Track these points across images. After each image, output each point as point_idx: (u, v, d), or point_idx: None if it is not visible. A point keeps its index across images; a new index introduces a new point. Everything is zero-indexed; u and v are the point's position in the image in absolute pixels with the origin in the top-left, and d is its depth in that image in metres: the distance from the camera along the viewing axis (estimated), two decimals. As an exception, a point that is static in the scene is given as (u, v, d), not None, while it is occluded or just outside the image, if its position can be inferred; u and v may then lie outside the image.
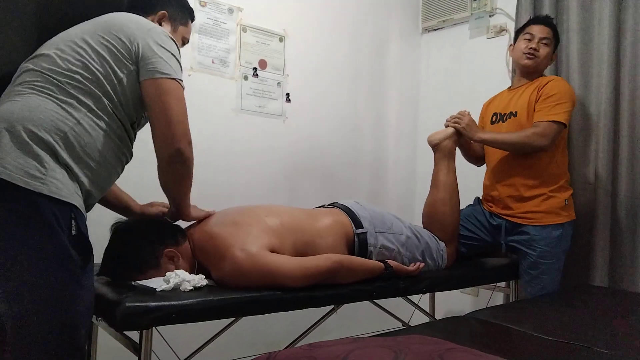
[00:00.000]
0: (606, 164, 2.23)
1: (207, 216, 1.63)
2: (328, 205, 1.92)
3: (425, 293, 1.86)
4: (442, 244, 1.97)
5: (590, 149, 2.31)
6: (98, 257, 1.49)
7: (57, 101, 1.23)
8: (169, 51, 1.34)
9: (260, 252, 1.44)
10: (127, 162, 1.43)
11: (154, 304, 1.25)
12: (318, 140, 2.82)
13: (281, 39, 2.67)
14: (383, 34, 3.14)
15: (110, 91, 1.29)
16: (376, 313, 2.03)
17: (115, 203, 1.65)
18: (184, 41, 1.64)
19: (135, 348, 1.32)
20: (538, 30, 2.15)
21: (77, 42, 1.30)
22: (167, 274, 1.41)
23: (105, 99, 1.28)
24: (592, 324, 1.50)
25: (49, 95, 1.23)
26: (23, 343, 1.11)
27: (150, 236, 1.47)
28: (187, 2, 1.65)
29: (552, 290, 2.06)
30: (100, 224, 1.48)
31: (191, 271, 1.51)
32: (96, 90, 1.27)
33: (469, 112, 2.16)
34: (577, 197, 2.27)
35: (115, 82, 1.30)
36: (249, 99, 2.56)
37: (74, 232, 1.16)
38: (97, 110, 1.27)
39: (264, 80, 2.62)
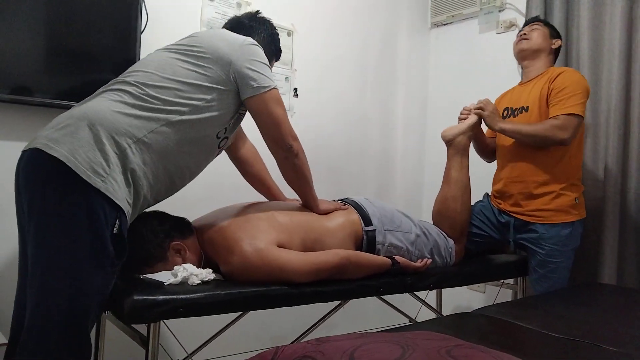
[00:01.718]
0: (616, 161, 2.21)
1: (338, 208, 1.76)
2: (338, 200, 1.92)
3: (432, 289, 1.86)
4: (451, 242, 1.97)
5: (600, 145, 2.29)
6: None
7: (139, 112, 1.33)
8: (261, 62, 1.49)
9: (268, 247, 1.44)
10: (192, 176, 1.55)
11: (161, 297, 1.26)
12: (326, 135, 2.82)
13: (289, 34, 2.67)
14: (392, 29, 3.12)
15: (196, 109, 1.41)
16: (383, 309, 2.03)
17: (267, 195, 1.93)
18: None
19: (143, 341, 1.33)
20: (526, 27, 2.21)
21: (169, 63, 1.42)
22: (175, 267, 1.42)
23: (188, 116, 1.39)
24: (600, 322, 1.49)
25: (133, 104, 1.34)
26: (37, 300, 1.20)
27: (157, 229, 1.48)
28: (279, 42, 1.78)
29: (561, 288, 2.05)
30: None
31: (198, 264, 1.52)
32: (181, 108, 1.38)
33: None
34: (587, 195, 2.25)
35: (205, 101, 1.42)
36: (256, 94, 2.55)
37: (115, 231, 1.25)
38: (174, 124, 1.38)
39: (272, 75, 2.61)
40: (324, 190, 2.73)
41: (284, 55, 2.63)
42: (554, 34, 2.18)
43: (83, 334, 1.23)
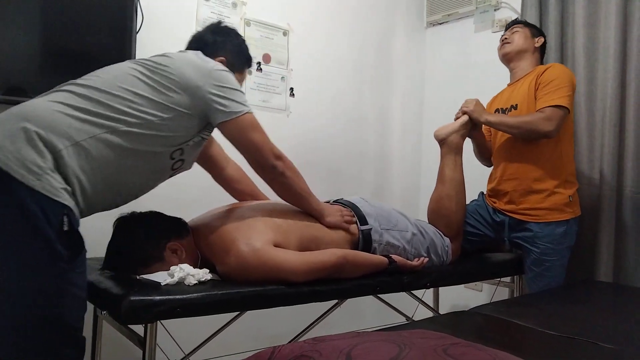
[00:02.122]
0: (612, 159, 2.22)
1: (349, 223, 1.72)
2: (333, 201, 1.92)
3: (429, 288, 1.86)
4: (447, 240, 1.97)
5: (596, 143, 2.30)
6: (103, 250, 1.50)
7: (82, 113, 1.26)
8: (231, 88, 1.44)
9: (264, 247, 1.44)
10: (140, 193, 1.48)
11: (158, 297, 1.25)
12: (322, 134, 2.82)
13: (285, 33, 2.67)
14: (388, 28, 3.13)
15: (149, 123, 1.33)
16: (380, 308, 2.03)
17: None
18: None
19: (140, 342, 1.32)
20: (507, 32, 2.25)
21: (130, 75, 1.36)
22: (172, 268, 1.42)
23: (136, 128, 1.32)
24: (597, 319, 1.49)
25: (77, 107, 1.27)
26: (4, 326, 1.13)
27: (153, 229, 1.48)
28: (247, 50, 1.71)
29: (557, 286, 2.05)
30: (109, 215, 1.48)
31: (195, 264, 1.52)
32: (130, 119, 1.31)
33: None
34: (582, 192, 2.26)
35: (159, 118, 1.35)
36: (253, 94, 2.55)
37: (65, 228, 1.18)
38: (120, 134, 1.30)
39: (268, 75, 2.61)
40: (320, 191, 2.73)
41: (280, 55, 2.64)
42: (536, 32, 2.21)
43: (62, 337, 1.18)
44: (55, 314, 1.17)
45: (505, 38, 2.21)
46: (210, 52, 1.54)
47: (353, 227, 1.73)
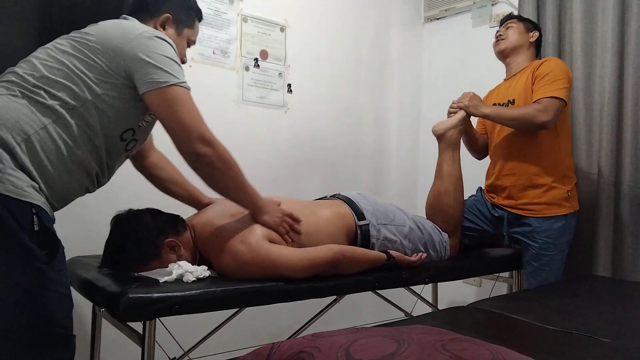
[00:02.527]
0: (610, 154, 2.22)
1: (293, 231, 1.56)
2: (330, 196, 1.92)
3: (427, 283, 1.86)
4: (445, 235, 1.97)
5: (594, 138, 2.30)
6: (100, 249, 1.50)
7: (28, 104, 1.20)
8: (162, 55, 1.29)
9: (260, 244, 1.44)
10: (104, 175, 1.38)
11: (157, 294, 1.25)
12: (320, 131, 2.81)
13: (282, 29, 2.66)
14: (385, 23, 3.12)
15: (89, 104, 1.26)
16: (379, 303, 2.04)
17: (186, 196, 1.73)
18: (190, 43, 1.58)
19: (139, 339, 1.32)
20: (501, 27, 2.25)
21: (60, 53, 1.28)
22: (170, 265, 1.42)
23: (81, 110, 1.25)
24: (595, 314, 1.49)
25: (21, 97, 1.21)
26: None
27: (151, 226, 1.47)
28: (195, 3, 1.58)
29: (555, 281, 2.06)
30: (109, 212, 1.48)
31: (193, 261, 1.52)
32: (71, 101, 1.24)
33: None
34: (580, 187, 2.26)
35: (95, 95, 1.26)
36: (250, 90, 2.55)
37: (36, 228, 1.13)
38: (69, 119, 1.23)
39: (266, 71, 2.61)
40: (317, 187, 2.75)
41: (277, 51, 2.64)
42: (530, 27, 2.21)
43: (52, 337, 1.16)
44: (43, 315, 1.15)
45: (500, 34, 2.21)
46: (153, 11, 1.45)
47: (349, 222, 1.72)
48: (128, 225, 1.47)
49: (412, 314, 2.15)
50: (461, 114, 2.12)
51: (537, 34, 2.20)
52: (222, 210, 1.59)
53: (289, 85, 2.69)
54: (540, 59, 2.23)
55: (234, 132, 2.48)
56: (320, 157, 2.82)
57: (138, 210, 1.51)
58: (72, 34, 1.33)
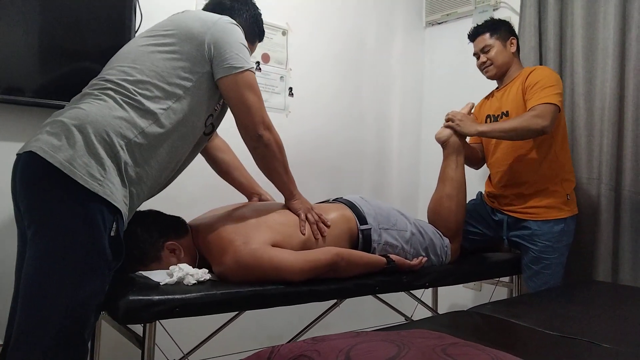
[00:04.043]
0: (610, 159, 2.22)
1: (322, 230, 1.64)
2: (333, 200, 1.92)
3: (428, 288, 1.86)
4: (446, 240, 1.97)
5: (595, 143, 2.30)
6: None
7: (127, 110, 1.31)
8: (237, 41, 1.42)
9: (261, 247, 1.44)
10: (179, 170, 1.53)
11: (157, 297, 1.25)
12: (321, 134, 2.81)
13: (284, 33, 2.66)
14: (387, 27, 3.12)
15: (181, 100, 1.37)
16: (379, 307, 2.03)
17: (245, 184, 1.86)
18: None
19: (138, 341, 1.32)
20: (476, 46, 2.21)
21: (146, 53, 1.38)
22: (171, 267, 1.42)
23: (175, 107, 1.36)
24: (595, 319, 1.49)
25: (121, 103, 1.31)
26: (31, 306, 1.19)
27: (151, 228, 1.48)
28: (262, 23, 1.71)
29: (555, 285, 2.06)
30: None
31: (193, 264, 1.52)
32: (166, 101, 1.35)
33: (468, 110, 2.16)
34: (581, 192, 2.26)
35: (185, 89, 1.38)
36: (252, 93, 2.55)
37: (112, 234, 1.25)
38: (164, 120, 1.35)
39: (267, 74, 2.61)
40: (319, 189, 2.74)
41: (278, 55, 2.64)
42: (506, 35, 2.16)
43: (78, 340, 1.22)
44: (81, 316, 1.22)
45: (483, 63, 2.16)
46: (225, 15, 1.54)
47: (352, 226, 1.73)
48: (129, 226, 1.47)
49: (412, 318, 2.15)
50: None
51: (514, 40, 2.16)
52: (226, 213, 1.60)
53: (290, 88, 2.69)
54: (533, 65, 2.21)
55: (237, 135, 2.48)
56: (322, 160, 2.82)
57: (140, 212, 1.51)
58: (151, 30, 1.44)
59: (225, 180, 1.87)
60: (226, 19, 1.45)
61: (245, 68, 1.42)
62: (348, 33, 2.93)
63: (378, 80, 3.08)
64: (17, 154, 1.30)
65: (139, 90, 1.33)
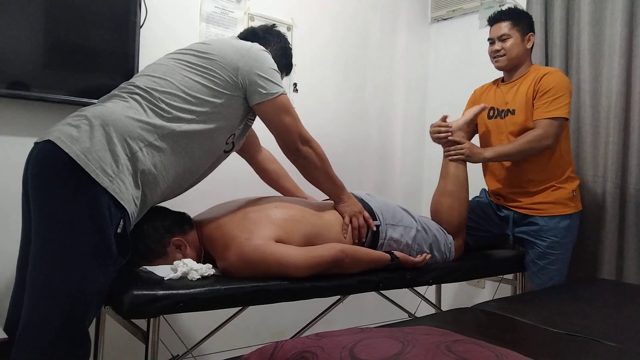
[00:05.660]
0: (616, 156, 2.21)
1: (366, 227, 1.72)
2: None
3: (431, 284, 1.86)
4: (450, 237, 1.97)
5: (600, 141, 2.29)
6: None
7: (150, 116, 1.37)
8: (269, 68, 1.51)
9: (265, 243, 1.44)
10: (197, 180, 1.59)
11: (161, 292, 1.26)
12: (326, 130, 2.81)
13: (289, 28, 2.66)
14: (392, 23, 3.11)
15: (208, 114, 1.44)
16: (382, 304, 2.03)
17: (293, 191, 1.97)
18: None
19: (143, 336, 1.33)
20: (494, 31, 2.14)
21: (180, 69, 1.45)
22: (175, 262, 1.42)
23: (198, 119, 1.42)
24: (599, 317, 1.49)
25: (146, 109, 1.37)
26: (37, 297, 1.21)
27: (158, 224, 1.48)
28: (291, 57, 1.80)
29: (559, 282, 2.06)
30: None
31: (198, 260, 1.52)
32: (189, 115, 1.41)
33: (468, 141, 2.12)
34: (586, 190, 2.25)
35: (213, 106, 1.45)
36: (256, 89, 2.55)
37: (119, 231, 1.27)
38: (184, 129, 1.40)
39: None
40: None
41: (283, 50, 2.63)
42: (526, 29, 2.11)
43: (82, 331, 1.24)
44: (86, 309, 1.25)
45: (497, 51, 2.11)
46: (260, 45, 1.59)
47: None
48: (135, 223, 1.47)
49: (415, 314, 2.15)
50: (467, 116, 2.14)
51: (532, 37, 2.12)
52: (231, 208, 1.60)
53: (295, 84, 2.69)
54: (540, 64, 2.18)
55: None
56: (327, 156, 2.81)
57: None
58: (183, 49, 1.53)
59: (273, 188, 1.98)
60: (258, 46, 1.53)
61: (280, 93, 1.51)
62: (353, 29, 2.92)
63: (383, 76, 3.07)
64: (35, 142, 1.33)
65: (166, 100, 1.39)
